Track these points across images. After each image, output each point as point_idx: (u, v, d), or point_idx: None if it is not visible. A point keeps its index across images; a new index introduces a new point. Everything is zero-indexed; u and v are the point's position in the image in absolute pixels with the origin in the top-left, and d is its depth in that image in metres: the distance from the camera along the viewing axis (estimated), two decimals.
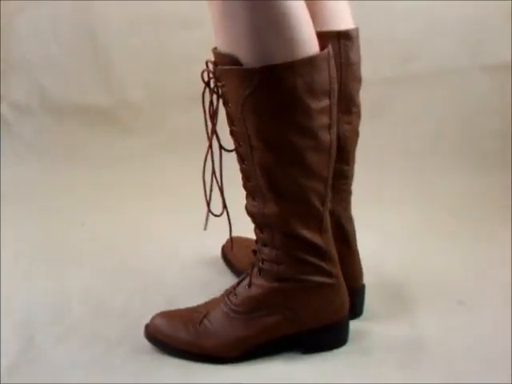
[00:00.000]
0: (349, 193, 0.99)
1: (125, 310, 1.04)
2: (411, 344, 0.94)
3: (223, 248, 1.19)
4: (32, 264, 1.21)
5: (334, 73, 0.82)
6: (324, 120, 0.82)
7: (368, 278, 1.02)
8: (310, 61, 0.79)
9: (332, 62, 0.81)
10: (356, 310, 1.00)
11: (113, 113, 1.92)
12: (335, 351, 0.92)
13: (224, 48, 0.80)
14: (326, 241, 0.88)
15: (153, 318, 0.94)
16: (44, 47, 1.94)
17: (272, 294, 0.89)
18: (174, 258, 1.21)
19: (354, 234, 1.00)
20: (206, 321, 0.91)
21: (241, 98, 0.79)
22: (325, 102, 0.81)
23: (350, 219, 1.00)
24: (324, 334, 0.91)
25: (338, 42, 0.91)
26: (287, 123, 0.80)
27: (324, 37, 0.88)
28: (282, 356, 0.91)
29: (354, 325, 0.97)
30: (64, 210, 1.48)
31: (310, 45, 0.79)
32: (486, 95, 1.84)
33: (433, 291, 1.09)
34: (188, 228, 1.15)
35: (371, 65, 1.90)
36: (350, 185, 0.99)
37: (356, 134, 0.98)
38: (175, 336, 0.91)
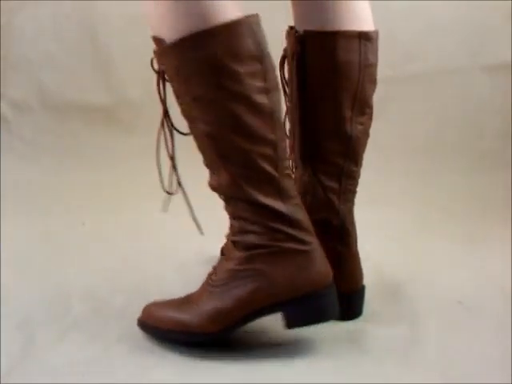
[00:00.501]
0: (354, 193, 1.00)
1: (124, 309, 1.04)
2: (411, 344, 0.94)
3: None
4: (32, 263, 1.21)
5: (261, 38, 0.82)
6: (257, 84, 0.83)
7: (368, 278, 1.02)
8: (227, 27, 0.80)
9: (258, 28, 0.82)
10: (356, 311, 1.00)
11: (113, 112, 1.92)
12: (334, 350, 0.92)
13: (153, 32, 0.84)
14: (290, 208, 0.87)
15: (144, 307, 0.96)
16: (44, 46, 1.94)
17: (245, 263, 0.89)
18: (173, 258, 1.21)
19: (356, 236, 1.00)
20: (190, 301, 0.93)
21: (174, 73, 0.83)
22: (255, 67, 0.82)
23: (353, 220, 1.00)
24: (303, 305, 0.89)
25: (359, 42, 0.91)
26: (218, 90, 0.82)
27: (345, 36, 0.91)
28: (280, 355, 0.91)
29: (353, 325, 0.98)
30: (64, 209, 1.49)
31: (226, 14, 0.81)
32: (486, 95, 1.84)
33: (433, 291, 1.09)
34: (188, 228, 1.15)
35: None
36: (356, 186, 1.00)
37: (366, 135, 0.98)
38: (162, 316, 0.92)
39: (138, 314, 1.00)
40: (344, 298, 0.98)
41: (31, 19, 1.93)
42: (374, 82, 0.96)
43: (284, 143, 0.87)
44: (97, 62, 1.95)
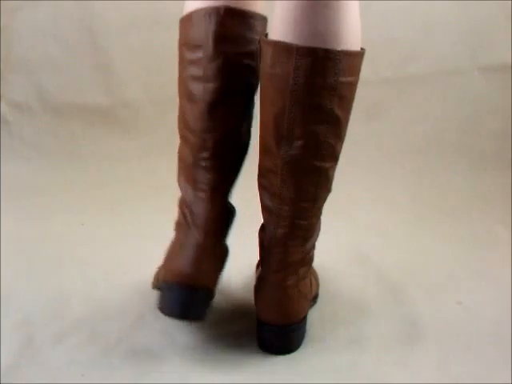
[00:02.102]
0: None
1: (124, 309, 1.04)
2: (411, 344, 0.94)
3: None
4: (32, 264, 1.21)
5: (208, 29, 0.84)
6: (194, 71, 0.86)
7: (368, 278, 1.02)
8: (185, 17, 0.87)
9: (208, 19, 0.84)
10: (266, 345, 0.92)
11: (112, 113, 1.92)
12: (334, 351, 0.92)
13: None
14: (193, 198, 0.91)
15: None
16: (44, 47, 1.94)
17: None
18: None
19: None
20: None
21: None
22: (197, 55, 0.86)
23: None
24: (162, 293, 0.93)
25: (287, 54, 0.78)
26: (179, 74, 0.90)
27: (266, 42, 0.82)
28: (280, 355, 0.91)
29: (353, 325, 0.98)
30: (64, 209, 1.48)
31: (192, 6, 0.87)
32: (486, 96, 1.84)
33: (432, 291, 1.09)
34: None
35: (370, 65, 1.91)
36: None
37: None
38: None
39: (137, 314, 1.01)
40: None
41: (31, 20, 1.93)
42: (303, 104, 0.79)
43: (208, 135, 0.88)
44: (96, 63, 1.95)
